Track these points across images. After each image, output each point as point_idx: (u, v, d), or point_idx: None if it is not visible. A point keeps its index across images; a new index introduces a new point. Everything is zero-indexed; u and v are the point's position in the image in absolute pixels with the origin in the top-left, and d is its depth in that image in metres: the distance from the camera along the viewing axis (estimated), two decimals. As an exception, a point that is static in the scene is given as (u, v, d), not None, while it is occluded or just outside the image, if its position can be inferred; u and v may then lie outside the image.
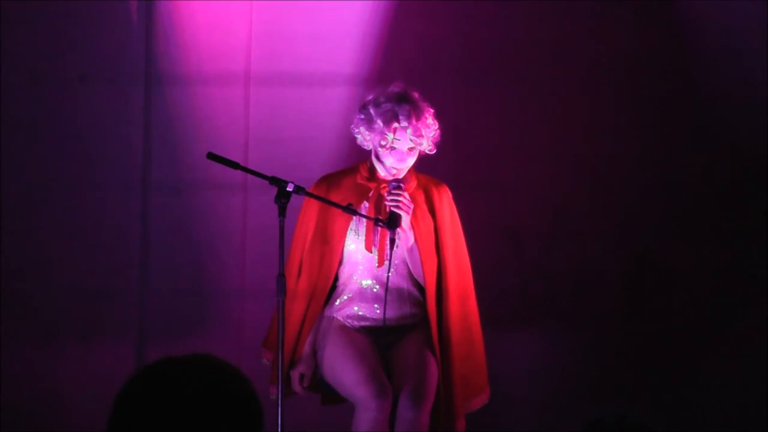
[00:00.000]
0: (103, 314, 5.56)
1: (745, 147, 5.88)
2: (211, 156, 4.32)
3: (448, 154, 4.66)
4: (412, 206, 4.49)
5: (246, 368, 2.11)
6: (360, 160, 4.66)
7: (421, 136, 4.49)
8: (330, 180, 4.64)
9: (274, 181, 4.26)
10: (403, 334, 4.58)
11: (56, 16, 5.52)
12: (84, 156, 5.56)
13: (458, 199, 4.72)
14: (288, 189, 4.24)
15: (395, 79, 4.63)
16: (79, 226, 5.54)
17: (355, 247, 4.57)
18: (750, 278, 5.86)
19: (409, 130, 4.48)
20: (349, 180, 4.61)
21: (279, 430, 4.15)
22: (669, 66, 5.88)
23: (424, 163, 4.60)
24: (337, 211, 4.50)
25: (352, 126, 4.60)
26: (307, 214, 4.62)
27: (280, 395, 4.17)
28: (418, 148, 4.52)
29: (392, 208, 4.43)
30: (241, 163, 4.38)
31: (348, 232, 4.58)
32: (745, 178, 5.88)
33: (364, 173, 4.60)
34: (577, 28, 5.84)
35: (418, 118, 4.48)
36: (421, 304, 4.59)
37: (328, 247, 4.56)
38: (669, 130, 5.89)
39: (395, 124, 4.48)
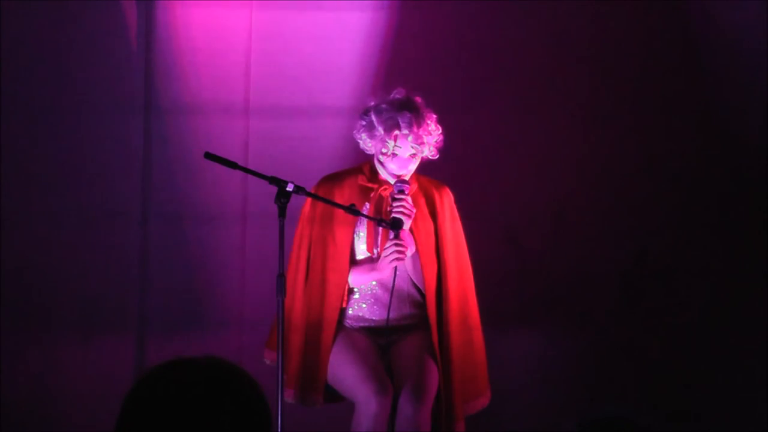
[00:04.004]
0: (103, 314, 5.56)
1: (746, 147, 5.88)
2: (209, 156, 4.32)
3: (448, 154, 4.65)
4: (414, 211, 4.49)
5: (245, 367, 2.11)
6: (363, 161, 4.66)
7: (422, 143, 4.49)
8: (332, 180, 4.63)
9: (273, 181, 4.26)
10: (402, 335, 4.58)
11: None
12: (84, 155, 5.56)
13: (458, 199, 4.72)
14: (288, 189, 4.23)
15: (398, 85, 4.64)
16: (78, 225, 5.54)
17: (356, 247, 4.57)
18: (750, 278, 5.86)
19: (410, 138, 4.48)
20: (352, 181, 4.61)
21: (279, 429, 4.15)
22: (670, 67, 5.88)
23: (424, 163, 4.60)
24: (342, 211, 4.49)
25: (354, 131, 4.60)
26: (312, 213, 4.61)
27: (279, 394, 4.17)
28: (420, 154, 4.53)
29: (394, 214, 4.44)
30: (240, 163, 4.38)
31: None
32: (745, 178, 5.88)
33: (367, 174, 4.60)
34: (578, 28, 5.84)
35: (419, 126, 4.48)
36: (421, 305, 4.59)
37: (335, 250, 4.55)
38: (669, 130, 5.89)
39: (396, 132, 4.48)
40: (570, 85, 5.84)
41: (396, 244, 4.42)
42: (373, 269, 4.51)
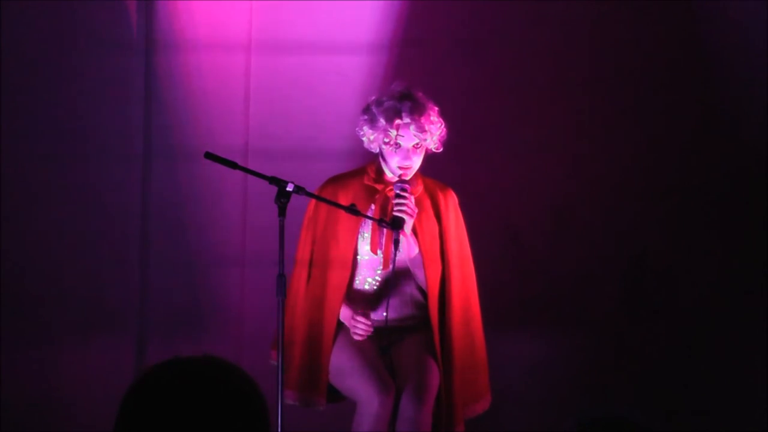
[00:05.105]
0: (102, 314, 5.56)
1: (746, 147, 5.87)
2: (209, 156, 4.31)
3: (448, 154, 4.65)
4: (416, 211, 4.48)
5: (245, 367, 2.11)
6: (367, 162, 4.65)
7: (424, 131, 4.47)
8: (337, 181, 4.63)
9: (273, 181, 4.25)
10: (403, 335, 4.57)
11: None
12: (84, 155, 5.56)
13: (459, 199, 4.71)
14: (288, 189, 4.22)
15: (397, 79, 4.63)
16: (78, 225, 5.54)
17: (360, 248, 4.57)
18: (750, 278, 5.86)
19: (412, 126, 4.46)
20: (356, 181, 4.60)
21: (279, 429, 4.15)
22: (670, 67, 5.88)
23: (425, 164, 4.60)
24: (345, 212, 4.48)
25: (356, 128, 4.59)
26: (315, 215, 4.61)
27: (279, 394, 4.17)
28: (423, 144, 4.50)
29: (396, 213, 4.43)
30: (240, 163, 4.37)
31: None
32: (745, 178, 5.88)
33: (372, 174, 4.59)
34: (578, 28, 5.84)
35: (420, 114, 4.46)
36: (423, 306, 4.59)
37: (337, 251, 4.54)
38: (669, 130, 5.89)
39: (398, 120, 4.47)
40: (571, 86, 5.84)
41: (357, 321, 4.44)
42: (345, 318, 4.54)
